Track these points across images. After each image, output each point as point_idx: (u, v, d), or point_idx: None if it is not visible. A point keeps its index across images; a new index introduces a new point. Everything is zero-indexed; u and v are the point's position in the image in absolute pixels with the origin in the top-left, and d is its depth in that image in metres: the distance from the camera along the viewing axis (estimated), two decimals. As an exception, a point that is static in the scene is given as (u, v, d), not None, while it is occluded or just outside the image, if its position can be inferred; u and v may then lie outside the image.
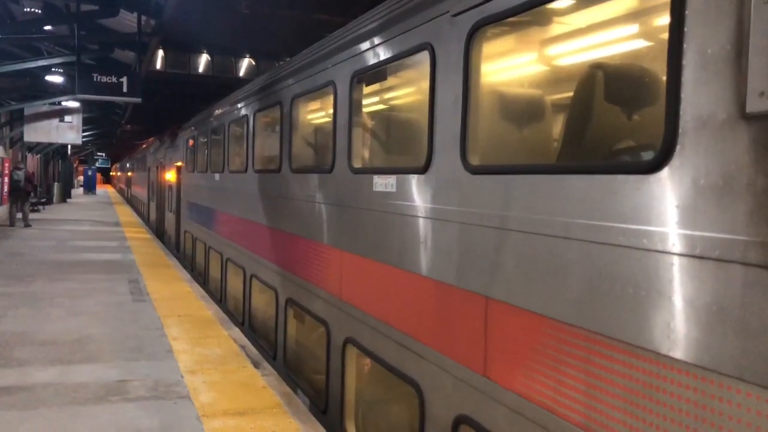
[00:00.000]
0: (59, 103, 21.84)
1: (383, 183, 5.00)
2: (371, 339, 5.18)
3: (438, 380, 4.15)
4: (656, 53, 3.25)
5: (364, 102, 5.89)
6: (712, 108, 2.34)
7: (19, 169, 23.25)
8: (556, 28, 4.23)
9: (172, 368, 6.61)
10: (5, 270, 12.66)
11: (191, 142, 15.13)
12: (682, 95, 2.45)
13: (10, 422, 5.06)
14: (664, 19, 2.63)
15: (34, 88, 20.09)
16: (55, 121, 23.07)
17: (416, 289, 4.47)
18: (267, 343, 8.39)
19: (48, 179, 39.24)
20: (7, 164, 22.87)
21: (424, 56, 4.43)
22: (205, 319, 8.94)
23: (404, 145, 6.02)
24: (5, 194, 23.20)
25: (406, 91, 6.35)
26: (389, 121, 6.84)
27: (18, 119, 23.49)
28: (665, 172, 2.52)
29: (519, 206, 3.41)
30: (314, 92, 6.93)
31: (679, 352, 2.43)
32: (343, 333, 5.75)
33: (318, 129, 8.02)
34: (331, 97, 6.12)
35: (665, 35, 2.56)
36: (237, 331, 8.30)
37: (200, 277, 13.20)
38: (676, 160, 2.48)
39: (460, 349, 3.91)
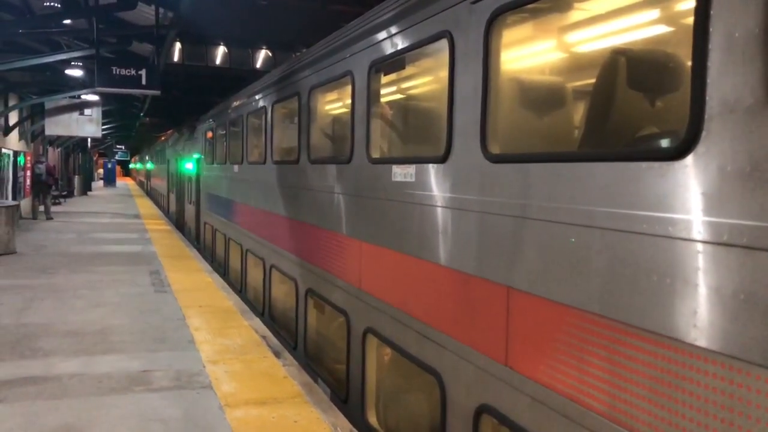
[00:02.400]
0: (79, 97, 22.03)
1: (402, 173, 4.99)
2: (391, 329, 5.18)
3: (459, 370, 4.14)
4: (681, 37, 3.20)
5: (383, 92, 5.87)
6: (739, 93, 2.30)
7: (41, 162, 23.63)
8: (577, 14, 4.17)
9: (194, 358, 6.68)
10: (29, 262, 12.84)
11: (210, 134, 15.22)
12: (708, 80, 2.41)
13: (37, 412, 5.14)
14: (689, 2, 2.58)
15: (54, 82, 20.26)
16: (75, 115, 23.29)
17: (436, 279, 4.45)
18: (287, 333, 8.44)
19: (69, 172, 39.68)
20: (29, 158, 23.16)
21: (443, 44, 4.39)
22: (226, 309, 9.02)
23: (423, 135, 5.98)
24: (27, 187, 23.54)
25: (425, 80, 6.31)
26: (408, 111, 6.80)
27: (39, 113, 23.75)
28: (690, 159, 2.48)
29: (540, 194, 3.38)
30: (332, 82, 6.92)
31: (705, 341, 2.40)
32: (363, 323, 5.76)
33: (336, 119, 8.01)
34: (349, 87, 6.11)
35: (690, 18, 2.51)
36: (258, 322, 8.37)
37: (220, 268, 13.30)
38: (701, 147, 2.43)
39: (481, 339, 3.90)
